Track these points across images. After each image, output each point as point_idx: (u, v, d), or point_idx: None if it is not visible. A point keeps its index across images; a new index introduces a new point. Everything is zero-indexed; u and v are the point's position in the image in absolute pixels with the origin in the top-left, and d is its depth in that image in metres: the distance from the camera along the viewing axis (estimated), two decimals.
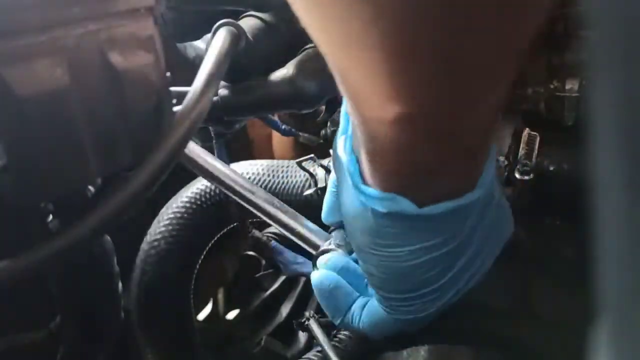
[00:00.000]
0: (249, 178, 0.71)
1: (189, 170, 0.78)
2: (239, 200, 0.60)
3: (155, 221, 0.75)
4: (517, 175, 0.58)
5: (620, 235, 0.17)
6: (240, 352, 0.86)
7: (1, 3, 0.35)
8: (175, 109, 0.45)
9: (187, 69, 0.54)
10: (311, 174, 0.66)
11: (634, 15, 0.15)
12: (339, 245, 0.54)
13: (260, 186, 0.71)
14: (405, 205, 0.39)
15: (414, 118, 0.33)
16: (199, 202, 0.73)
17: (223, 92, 0.57)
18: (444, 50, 0.30)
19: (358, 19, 0.29)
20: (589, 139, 0.17)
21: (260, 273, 0.92)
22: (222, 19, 0.53)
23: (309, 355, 0.56)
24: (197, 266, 0.76)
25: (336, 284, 0.50)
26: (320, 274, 0.51)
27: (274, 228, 0.81)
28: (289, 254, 0.83)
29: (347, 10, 0.29)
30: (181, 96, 0.45)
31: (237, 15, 0.58)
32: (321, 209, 0.56)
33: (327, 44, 0.34)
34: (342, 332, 0.57)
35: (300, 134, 0.69)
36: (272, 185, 0.70)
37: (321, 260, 0.53)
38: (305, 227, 0.56)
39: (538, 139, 0.59)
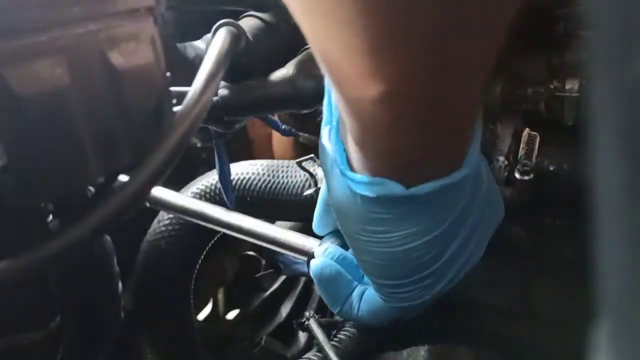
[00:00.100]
0: (249, 178, 0.71)
1: (189, 170, 0.78)
2: (220, 228, 0.60)
3: (155, 221, 0.75)
4: (517, 175, 0.58)
5: (620, 235, 0.17)
6: (240, 352, 0.86)
7: (1, 3, 0.35)
8: (175, 109, 0.45)
9: (187, 69, 0.54)
10: (311, 174, 0.66)
11: (634, 15, 0.15)
12: (333, 243, 0.54)
13: (260, 186, 0.71)
14: (394, 188, 0.39)
15: (397, 96, 0.34)
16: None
17: (223, 92, 0.57)
18: (422, 27, 0.30)
19: None
20: (588, 139, 0.17)
21: (260, 273, 0.92)
22: (222, 19, 0.53)
23: (309, 355, 0.56)
24: (197, 266, 0.76)
25: (336, 272, 0.51)
26: (320, 262, 0.52)
27: None
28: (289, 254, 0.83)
29: None
30: (181, 96, 0.45)
31: (237, 15, 0.58)
32: None
33: (310, 25, 0.34)
34: (342, 332, 0.57)
35: (300, 134, 0.69)
36: (272, 185, 0.70)
37: (319, 250, 0.53)
38: (296, 237, 0.57)
39: (538, 139, 0.59)
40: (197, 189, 0.73)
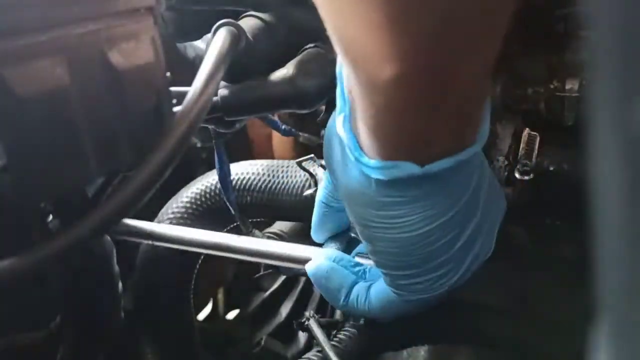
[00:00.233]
0: (249, 178, 0.71)
1: (189, 170, 0.78)
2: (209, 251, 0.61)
3: (155, 221, 0.75)
4: (517, 175, 0.58)
5: (620, 235, 0.17)
6: (240, 352, 0.86)
7: (1, 3, 0.35)
8: (175, 109, 0.45)
9: (187, 69, 0.54)
10: (311, 174, 0.66)
11: (634, 15, 0.15)
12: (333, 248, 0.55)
13: (260, 186, 0.71)
14: (408, 168, 0.40)
15: (406, 79, 0.34)
16: (199, 202, 0.73)
17: (223, 92, 0.57)
18: (440, 10, 0.31)
19: None
20: (588, 139, 0.17)
21: (260, 273, 0.92)
22: (222, 19, 0.53)
23: (309, 355, 0.56)
24: (197, 266, 0.76)
25: (330, 268, 0.51)
26: (315, 262, 0.52)
27: (275, 228, 0.81)
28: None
29: None
30: (181, 96, 0.45)
31: (237, 15, 0.58)
32: None
33: (329, 3, 0.35)
34: (342, 332, 0.57)
35: (300, 134, 0.69)
36: (272, 185, 0.70)
37: (315, 255, 0.53)
38: (292, 248, 0.57)
39: (538, 139, 0.59)
40: (197, 189, 0.73)
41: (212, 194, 0.72)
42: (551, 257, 0.60)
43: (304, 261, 0.55)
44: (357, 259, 0.54)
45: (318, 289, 0.53)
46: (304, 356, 0.57)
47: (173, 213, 0.73)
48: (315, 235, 0.57)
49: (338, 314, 0.70)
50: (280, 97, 0.56)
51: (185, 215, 0.73)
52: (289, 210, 0.70)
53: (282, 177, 0.70)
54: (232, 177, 0.68)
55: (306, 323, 0.57)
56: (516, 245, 0.59)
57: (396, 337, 0.53)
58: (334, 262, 0.52)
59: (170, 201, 0.74)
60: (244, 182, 0.71)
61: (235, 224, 0.74)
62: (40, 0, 0.36)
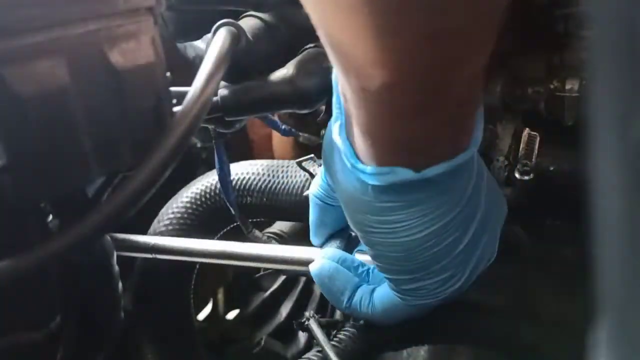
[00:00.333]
0: (249, 178, 0.71)
1: (189, 170, 0.78)
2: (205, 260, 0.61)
3: (155, 221, 0.75)
4: (517, 175, 0.58)
5: (620, 236, 0.17)
6: (240, 352, 0.86)
7: (1, 2, 0.35)
8: (175, 109, 0.45)
9: (187, 69, 0.54)
10: (311, 174, 0.66)
11: (634, 15, 0.15)
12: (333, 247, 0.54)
13: (260, 186, 0.71)
14: (404, 174, 0.40)
15: (402, 85, 0.34)
16: (199, 202, 0.73)
17: (223, 92, 0.57)
18: (430, 16, 0.31)
19: None
20: (588, 139, 0.17)
21: (260, 273, 0.92)
22: (222, 19, 0.53)
23: (309, 355, 0.56)
24: (197, 266, 0.76)
25: (335, 269, 0.51)
26: (319, 263, 0.52)
27: (275, 228, 0.81)
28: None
29: None
30: (181, 96, 0.45)
31: (237, 15, 0.58)
32: None
33: (320, 14, 0.35)
34: (342, 332, 0.57)
35: (300, 134, 0.69)
36: (272, 185, 0.70)
37: (319, 255, 0.53)
38: (294, 251, 0.57)
39: (538, 139, 0.59)
40: (197, 189, 0.73)
41: (212, 194, 0.72)
42: (551, 257, 0.60)
43: (306, 263, 0.55)
44: (358, 256, 0.54)
45: (321, 289, 0.53)
46: (304, 356, 0.57)
47: (173, 213, 0.73)
48: (314, 236, 0.57)
49: (338, 314, 0.70)
50: (280, 97, 0.56)
51: (186, 215, 0.73)
52: (289, 210, 0.70)
53: (282, 177, 0.70)
54: (232, 177, 0.68)
55: (306, 323, 0.57)
56: (516, 245, 0.59)
57: (396, 337, 0.53)
58: (337, 263, 0.51)
59: (170, 201, 0.74)
60: (244, 182, 0.72)
61: (235, 224, 0.74)
62: (40, 0, 0.36)
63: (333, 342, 0.55)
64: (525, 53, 0.59)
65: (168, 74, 0.45)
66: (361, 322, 0.57)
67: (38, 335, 0.47)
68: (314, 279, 0.52)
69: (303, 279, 0.88)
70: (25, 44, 0.36)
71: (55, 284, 0.48)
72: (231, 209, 0.65)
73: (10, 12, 0.35)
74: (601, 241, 0.18)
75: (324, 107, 0.67)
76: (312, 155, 0.64)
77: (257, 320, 0.89)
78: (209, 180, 0.73)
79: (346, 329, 0.57)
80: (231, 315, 0.95)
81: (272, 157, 0.90)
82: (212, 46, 0.50)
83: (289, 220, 0.81)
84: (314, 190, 0.54)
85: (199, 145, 0.67)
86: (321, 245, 0.57)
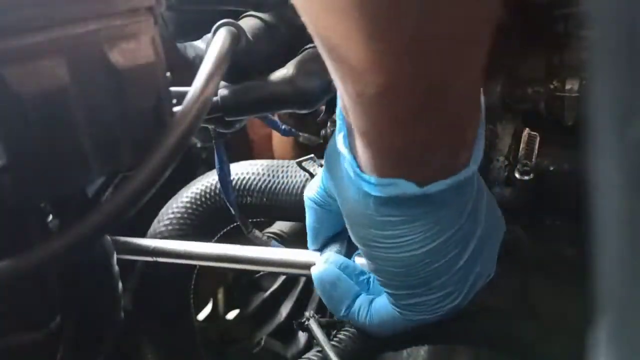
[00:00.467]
0: (249, 178, 0.71)
1: (189, 170, 0.77)
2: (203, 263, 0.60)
3: (156, 221, 0.75)
4: (517, 175, 0.58)
5: (620, 235, 0.17)
6: (240, 352, 0.86)
7: (1, 3, 0.35)
8: (175, 109, 0.45)
9: (187, 69, 0.54)
10: (311, 174, 0.66)
11: (634, 15, 0.15)
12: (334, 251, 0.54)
13: (260, 186, 0.71)
14: (407, 187, 0.39)
15: (397, 91, 0.34)
16: (199, 202, 0.73)
17: (223, 92, 0.57)
18: (421, 18, 0.31)
19: None
20: (588, 139, 0.17)
21: (260, 273, 0.92)
22: (222, 19, 0.53)
23: (309, 355, 0.56)
24: (197, 266, 0.76)
25: (337, 276, 0.50)
26: (321, 268, 0.51)
27: (275, 228, 0.81)
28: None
29: None
30: (181, 96, 0.45)
31: (237, 15, 0.58)
32: None
33: (309, 12, 0.35)
34: (342, 332, 0.57)
35: (300, 134, 0.69)
36: (272, 185, 0.70)
37: (321, 259, 0.53)
38: (294, 254, 0.56)
39: (538, 139, 0.59)
40: (197, 189, 0.73)
41: (212, 194, 0.72)
42: (551, 257, 0.60)
43: (306, 266, 0.55)
44: (358, 260, 0.53)
45: (320, 294, 0.52)
46: (304, 356, 0.57)
47: (173, 213, 0.73)
48: (312, 241, 0.56)
49: None
50: (280, 97, 0.56)
51: (186, 215, 0.73)
52: (289, 210, 0.70)
53: (282, 177, 0.70)
54: (232, 177, 0.68)
55: (306, 323, 0.57)
56: (516, 245, 0.59)
57: (396, 337, 0.53)
58: (339, 270, 0.51)
59: (170, 201, 0.74)
60: (244, 182, 0.72)
61: (235, 224, 0.74)
62: (40, 0, 0.36)
63: (333, 342, 0.55)
64: (525, 53, 0.59)
65: (168, 74, 0.45)
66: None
67: (38, 335, 0.47)
68: (315, 283, 0.52)
69: (303, 279, 0.88)
70: (25, 44, 0.36)
71: (55, 284, 0.48)
72: (231, 209, 0.65)
73: (10, 12, 0.35)
74: (601, 241, 0.18)
75: (324, 107, 0.67)
76: (312, 155, 0.64)
77: (257, 320, 0.89)
78: (209, 180, 0.73)
79: (346, 329, 0.57)
80: (231, 315, 0.95)
81: (272, 157, 0.90)
82: (212, 46, 0.50)
83: (289, 220, 0.81)
84: (311, 194, 0.54)
85: (199, 145, 0.67)
86: (319, 250, 0.56)
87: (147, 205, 0.42)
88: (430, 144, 0.39)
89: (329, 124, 0.72)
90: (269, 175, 0.71)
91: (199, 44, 0.64)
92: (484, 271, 0.46)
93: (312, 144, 0.70)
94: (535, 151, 0.58)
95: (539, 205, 0.60)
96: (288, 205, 0.69)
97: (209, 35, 0.53)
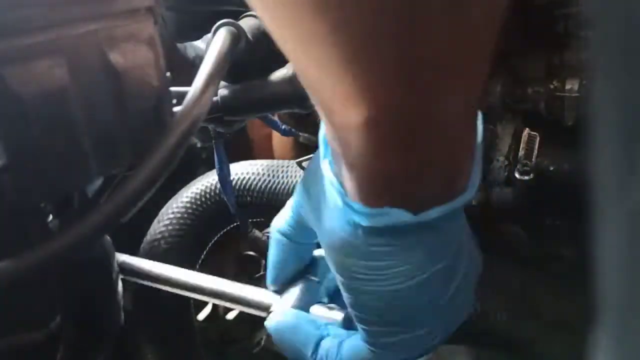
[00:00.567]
0: (249, 178, 0.72)
1: (189, 170, 0.77)
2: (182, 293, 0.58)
3: (155, 221, 0.75)
4: (517, 175, 0.58)
5: (619, 235, 0.17)
6: (240, 352, 0.86)
7: (1, 3, 0.35)
8: (175, 109, 0.45)
9: (187, 69, 0.54)
10: None
11: (634, 15, 0.15)
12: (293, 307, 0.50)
13: (260, 186, 0.71)
14: (399, 215, 0.37)
15: (381, 121, 0.32)
16: (199, 202, 0.73)
17: (223, 92, 0.57)
18: (401, 44, 0.28)
19: (308, 11, 0.28)
20: (589, 139, 0.17)
21: (260, 273, 0.92)
22: (222, 19, 0.53)
23: None
24: (197, 266, 0.76)
25: (296, 322, 0.48)
26: (276, 318, 0.49)
27: None
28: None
29: (296, 3, 0.28)
30: (181, 96, 0.45)
31: (237, 15, 0.58)
32: None
33: (284, 40, 0.32)
34: None
35: (300, 134, 0.69)
36: (272, 185, 0.70)
37: (276, 311, 0.50)
38: (249, 291, 0.53)
39: (538, 139, 0.59)
40: (197, 188, 0.73)
41: (212, 194, 0.72)
42: (551, 257, 0.60)
43: (263, 307, 0.52)
44: (316, 309, 0.50)
45: (280, 344, 0.49)
46: None
47: (173, 213, 0.73)
48: (273, 280, 0.52)
49: None
50: (280, 97, 0.56)
51: (186, 215, 0.73)
52: None
53: (282, 177, 0.70)
54: (232, 177, 0.68)
55: None
56: (516, 245, 0.59)
57: None
58: (296, 319, 0.48)
59: (170, 201, 0.75)
60: (244, 182, 0.72)
61: (235, 224, 0.74)
62: (40, 1, 0.36)
63: None
64: (525, 53, 0.59)
65: (168, 74, 0.45)
66: None
67: (38, 335, 0.47)
68: (272, 334, 0.49)
69: None
70: (25, 44, 0.36)
71: (55, 284, 0.48)
72: (231, 208, 0.65)
73: (10, 12, 0.35)
74: (601, 241, 0.18)
75: None
76: (312, 155, 0.64)
77: (257, 320, 0.89)
78: (209, 180, 0.73)
79: None
80: (231, 315, 0.95)
81: (272, 157, 0.90)
82: (212, 46, 0.50)
83: None
84: (280, 225, 0.49)
85: (199, 145, 0.67)
86: (278, 290, 0.52)
87: (147, 205, 0.42)
88: (422, 171, 0.36)
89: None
90: (269, 175, 0.71)
91: (199, 44, 0.64)
92: (464, 309, 0.44)
93: (312, 144, 0.70)
94: (535, 151, 0.58)
95: (539, 205, 0.60)
96: None
97: (209, 35, 0.53)
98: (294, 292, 0.50)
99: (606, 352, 0.19)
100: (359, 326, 0.44)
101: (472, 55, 0.31)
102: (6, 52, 0.35)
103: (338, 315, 0.48)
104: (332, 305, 0.50)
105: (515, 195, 0.58)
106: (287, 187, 0.69)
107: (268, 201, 0.71)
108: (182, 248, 0.74)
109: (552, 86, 0.58)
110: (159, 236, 0.73)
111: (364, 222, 0.38)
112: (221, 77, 0.49)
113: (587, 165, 0.17)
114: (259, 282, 0.92)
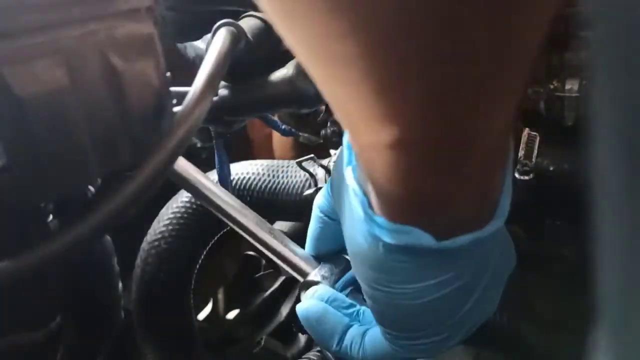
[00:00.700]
0: (249, 178, 0.71)
1: None
2: (228, 222, 0.58)
3: (155, 221, 0.75)
4: (517, 175, 0.58)
5: (619, 236, 0.17)
6: (240, 352, 0.86)
7: (1, 3, 0.35)
8: (175, 109, 0.45)
9: (187, 69, 0.54)
10: (311, 174, 0.66)
11: (634, 15, 0.15)
12: (324, 277, 0.51)
13: (260, 186, 0.71)
14: (421, 237, 0.36)
15: (409, 143, 0.31)
16: (199, 202, 0.73)
17: (223, 92, 0.57)
18: (433, 67, 0.27)
19: (336, 33, 0.27)
20: (588, 139, 0.17)
21: (260, 273, 0.92)
22: (222, 19, 0.53)
23: (309, 355, 0.56)
24: (197, 266, 0.76)
25: (323, 311, 0.48)
26: (306, 304, 0.49)
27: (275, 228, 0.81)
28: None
29: (323, 24, 0.27)
30: (181, 96, 0.45)
31: (237, 15, 0.58)
32: None
33: (310, 61, 0.31)
34: None
35: (300, 134, 0.69)
36: (272, 185, 0.70)
37: (307, 294, 0.51)
38: (294, 253, 0.54)
39: (538, 139, 0.59)
40: None
41: None
42: (551, 257, 0.60)
43: (302, 272, 0.53)
44: (351, 299, 0.50)
45: (309, 331, 0.49)
46: (304, 356, 0.57)
47: (173, 213, 0.73)
48: (310, 247, 0.53)
49: None
50: (280, 97, 0.56)
51: (185, 215, 0.73)
52: (289, 210, 0.70)
53: (282, 177, 0.70)
54: (232, 177, 0.68)
55: None
56: (516, 245, 0.59)
57: None
58: (326, 303, 0.49)
59: (170, 201, 0.75)
60: (244, 182, 0.72)
61: None
62: (40, 1, 0.36)
63: None
64: None
65: (168, 74, 0.45)
66: None
67: (38, 335, 0.47)
68: (301, 320, 0.49)
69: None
70: (25, 44, 0.36)
71: (55, 284, 0.48)
72: None
73: (11, 13, 0.35)
74: (601, 242, 0.18)
75: (324, 107, 0.67)
76: (312, 155, 0.64)
77: (257, 320, 0.89)
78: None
79: None
80: (231, 315, 0.95)
81: (272, 157, 0.90)
82: (212, 46, 0.50)
83: (289, 220, 0.81)
84: (320, 202, 0.50)
85: (199, 145, 0.67)
86: (315, 256, 0.53)
87: (147, 205, 0.42)
88: (451, 196, 0.35)
89: (329, 124, 0.72)
90: (269, 175, 0.71)
91: (199, 44, 0.64)
92: (484, 314, 0.43)
93: (312, 144, 0.70)
94: (535, 151, 0.58)
95: (539, 205, 0.60)
96: (288, 205, 0.69)
97: (209, 35, 0.53)
98: (326, 270, 0.52)
99: (606, 352, 0.19)
100: (379, 325, 0.44)
101: (513, 72, 0.29)
102: (6, 52, 0.35)
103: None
104: None
105: (515, 195, 0.58)
106: (287, 187, 0.69)
107: (268, 201, 0.71)
108: (182, 248, 0.74)
109: (551, 86, 0.58)
110: (159, 236, 0.73)
111: (386, 238, 0.37)
112: (221, 77, 0.49)
113: (587, 165, 0.17)
114: (259, 282, 0.92)
